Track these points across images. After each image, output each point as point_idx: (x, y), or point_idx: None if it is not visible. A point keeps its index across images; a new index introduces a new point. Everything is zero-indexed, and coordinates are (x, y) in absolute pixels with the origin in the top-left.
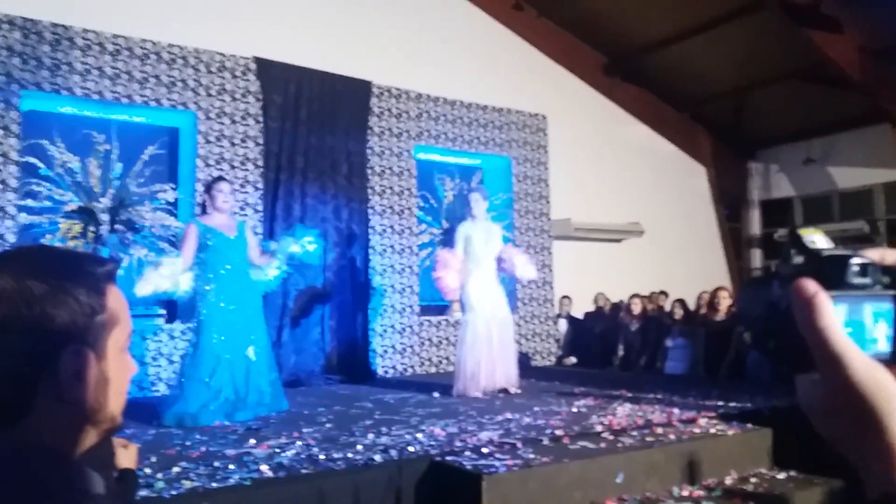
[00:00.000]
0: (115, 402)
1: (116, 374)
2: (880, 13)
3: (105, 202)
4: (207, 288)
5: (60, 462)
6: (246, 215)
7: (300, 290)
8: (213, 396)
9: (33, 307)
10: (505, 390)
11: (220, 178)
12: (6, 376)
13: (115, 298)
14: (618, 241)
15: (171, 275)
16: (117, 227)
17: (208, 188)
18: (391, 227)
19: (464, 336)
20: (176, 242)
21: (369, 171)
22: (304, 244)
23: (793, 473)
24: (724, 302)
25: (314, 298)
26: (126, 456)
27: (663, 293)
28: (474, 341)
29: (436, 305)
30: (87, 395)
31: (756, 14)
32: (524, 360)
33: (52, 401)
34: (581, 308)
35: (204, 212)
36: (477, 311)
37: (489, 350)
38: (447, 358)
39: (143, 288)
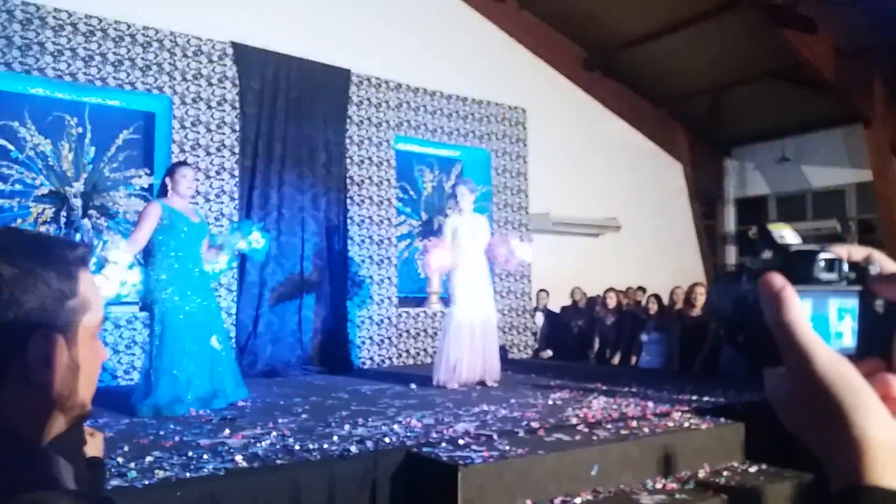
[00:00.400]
0: (85, 389)
1: (87, 361)
2: (854, 15)
3: (78, 187)
4: (164, 277)
5: (27, 449)
6: (222, 203)
7: (277, 279)
8: (185, 387)
9: (2, 291)
10: (482, 383)
11: (184, 163)
12: None
13: (86, 284)
14: (595, 235)
15: (124, 262)
16: (90, 212)
17: (171, 171)
18: (370, 217)
19: (447, 327)
20: None
21: (348, 161)
22: (252, 241)
23: (764, 467)
24: (700, 298)
25: (291, 288)
26: (92, 444)
27: (641, 289)
28: (457, 333)
29: (414, 297)
30: (56, 381)
31: (734, 12)
32: (501, 353)
33: (19, 386)
34: (558, 302)
35: (165, 195)
36: (462, 304)
37: (471, 343)
38: (425, 350)
39: (108, 290)
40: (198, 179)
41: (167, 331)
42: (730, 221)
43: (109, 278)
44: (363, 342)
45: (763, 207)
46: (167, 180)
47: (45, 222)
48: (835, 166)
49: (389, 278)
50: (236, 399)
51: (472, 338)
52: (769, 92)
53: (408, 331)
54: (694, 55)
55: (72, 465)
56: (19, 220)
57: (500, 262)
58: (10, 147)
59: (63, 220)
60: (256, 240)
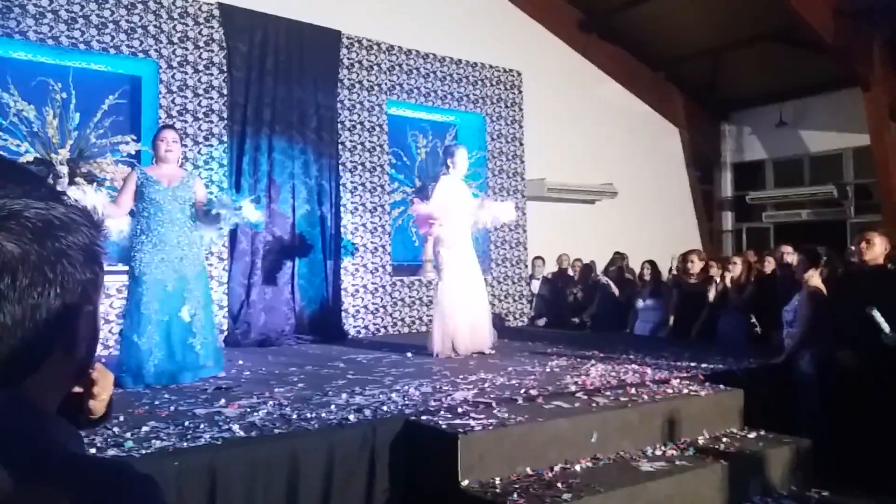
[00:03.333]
0: (91, 360)
1: (96, 333)
2: None
3: (64, 153)
4: (139, 239)
5: (46, 421)
6: (211, 169)
7: (269, 248)
8: (146, 357)
9: (56, 266)
10: (480, 352)
11: (164, 126)
12: (27, 337)
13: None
14: (591, 202)
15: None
16: (77, 179)
17: (153, 137)
18: (362, 184)
19: (440, 297)
20: None
21: (339, 126)
22: (245, 217)
23: (763, 433)
24: (696, 264)
25: (284, 256)
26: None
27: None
28: (447, 302)
29: (408, 265)
30: (81, 353)
31: None
32: (498, 322)
33: (57, 363)
34: (554, 269)
35: (153, 163)
36: (452, 271)
37: (464, 311)
38: (420, 318)
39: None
40: (179, 142)
41: (133, 296)
42: (727, 187)
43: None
44: (357, 311)
45: (760, 172)
46: (151, 148)
47: None
48: (832, 130)
49: (383, 246)
50: (207, 375)
51: (464, 306)
52: (767, 54)
53: (402, 299)
54: (691, 17)
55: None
56: None
57: (487, 225)
58: None
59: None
60: (250, 213)
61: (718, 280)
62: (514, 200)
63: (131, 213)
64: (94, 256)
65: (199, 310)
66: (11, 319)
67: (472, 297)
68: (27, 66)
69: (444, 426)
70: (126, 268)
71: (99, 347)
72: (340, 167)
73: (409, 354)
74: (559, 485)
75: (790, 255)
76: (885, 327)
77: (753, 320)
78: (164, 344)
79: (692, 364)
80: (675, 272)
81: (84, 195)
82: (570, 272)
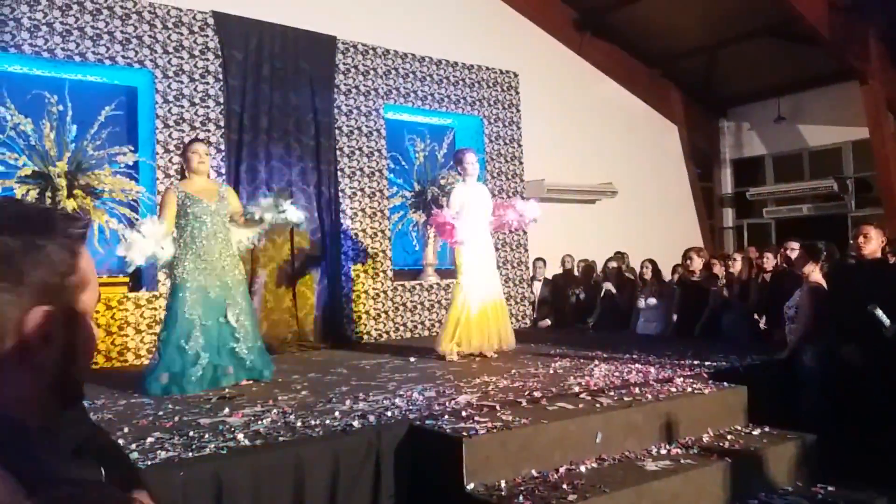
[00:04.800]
0: (83, 370)
1: (84, 341)
2: None
3: (61, 166)
4: (182, 251)
5: (22, 432)
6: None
7: (269, 255)
8: (192, 362)
9: (9, 263)
10: (483, 354)
11: (196, 140)
12: None
13: (86, 260)
14: (591, 202)
15: (154, 237)
16: (75, 192)
17: (183, 151)
18: (361, 189)
19: (457, 298)
20: (136, 207)
21: (337, 132)
22: (290, 218)
23: (767, 430)
24: (696, 261)
25: (284, 264)
26: None
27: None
28: (467, 302)
29: (409, 270)
30: (53, 361)
31: None
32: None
33: (14, 365)
34: (556, 270)
35: (183, 176)
36: (470, 275)
37: (479, 311)
38: (422, 323)
39: (134, 255)
40: (210, 154)
41: (177, 304)
42: (727, 183)
43: (133, 248)
44: (359, 317)
45: (760, 168)
46: (182, 160)
47: None
48: (831, 125)
49: (384, 251)
50: (258, 378)
51: (482, 304)
52: (764, 49)
53: (404, 304)
54: (686, 13)
55: (69, 447)
56: None
57: (512, 227)
58: None
59: (48, 200)
60: (293, 214)
61: (722, 277)
62: (536, 200)
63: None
64: (59, 259)
65: (241, 316)
66: None
67: (488, 298)
68: (23, 80)
69: (448, 430)
70: (125, 279)
71: (132, 356)
72: (339, 173)
73: (412, 359)
74: (565, 486)
75: (796, 251)
76: (886, 321)
77: (757, 317)
78: (209, 349)
79: (695, 362)
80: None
81: (146, 233)
82: (576, 273)
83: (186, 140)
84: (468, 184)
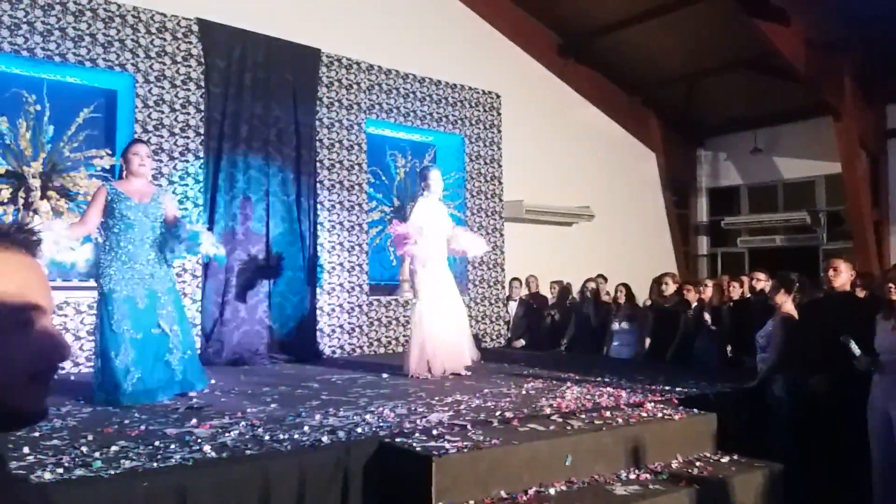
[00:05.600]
0: (5, 385)
1: (15, 348)
2: (826, 7)
3: (36, 167)
4: (107, 256)
5: None
6: (186, 185)
7: (244, 265)
8: (122, 376)
9: None
10: (456, 373)
11: (137, 141)
12: None
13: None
14: (569, 224)
15: (55, 236)
16: (49, 193)
17: (124, 151)
18: (340, 202)
19: (416, 317)
20: None
21: (318, 144)
22: (210, 253)
23: (736, 457)
24: (671, 287)
25: (258, 274)
26: None
27: (601, 276)
28: (426, 322)
29: (385, 285)
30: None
31: (708, 1)
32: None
33: None
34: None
35: (121, 177)
36: (429, 291)
37: (442, 331)
38: (396, 339)
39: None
40: (154, 157)
41: (105, 317)
42: (702, 211)
43: (43, 252)
44: (333, 330)
45: (735, 198)
46: (122, 161)
47: (1, 203)
48: (805, 158)
49: (360, 265)
50: (189, 390)
51: (442, 326)
52: (742, 82)
53: (379, 319)
54: (668, 43)
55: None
56: None
57: (457, 255)
58: None
59: (21, 200)
60: (208, 247)
61: (694, 303)
62: (489, 236)
63: (101, 228)
64: None
65: (173, 325)
66: None
67: (449, 317)
68: (1, 78)
69: (418, 448)
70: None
71: (69, 365)
72: (318, 185)
73: (384, 375)
74: None
75: (763, 282)
76: (858, 353)
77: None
78: (141, 362)
79: (667, 387)
80: (651, 295)
81: (42, 223)
82: (547, 293)
83: (165, 145)
84: (431, 200)
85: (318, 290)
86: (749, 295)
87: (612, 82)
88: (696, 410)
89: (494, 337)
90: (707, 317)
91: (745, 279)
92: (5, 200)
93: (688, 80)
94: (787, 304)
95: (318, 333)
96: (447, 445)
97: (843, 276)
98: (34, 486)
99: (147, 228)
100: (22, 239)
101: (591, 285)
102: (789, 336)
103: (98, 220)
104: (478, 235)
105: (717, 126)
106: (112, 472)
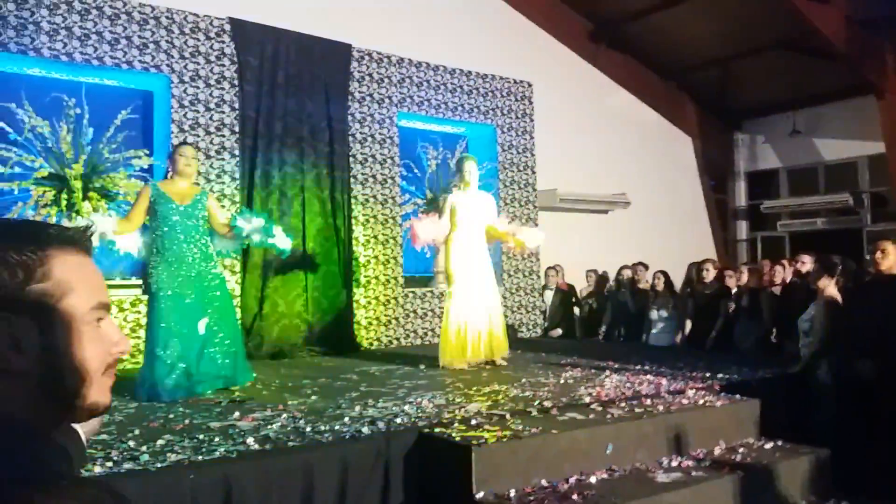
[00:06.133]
0: (86, 380)
1: (79, 349)
2: None
3: (77, 168)
4: (155, 258)
5: (27, 434)
6: (223, 183)
7: (281, 261)
8: (168, 371)
9: None
10: (492, 362)
11: (184, 143)
12: None
13: (66, 266)
14: (604, 212)
15: (102, 228)
16: (90, 194)
17: (171, 152)
18: (374, 196)
19: (449, 307)
20: None
21: (350, 139)
22: (276, 243)
23: (780, 443)
24: (711, 273)
25: (296, 269)
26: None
27: (641, 264)
28: (460, 312)
29: (420, 276)
30: (32, 368)
31: None
32: (511, 333)
33: None
34: (568, 280)
35: (167, 177)
36: (462, 281)
37: (474, 321)
38: (432, 330)
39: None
40: (198, 159)
41: (154, 313)
42: (741, 196)
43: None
44: (369, 323)
45: (774, 181)
46: (168, 161)
47: (45, 205)
48: (847, 139)
49: (395, 258)
50: (233, 385)
51: (476, 316)
52: (780, 63)
53: (414, 311)
54: (702, 25)
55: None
56: (20, 204)
57: (511, 248)
58: (9, 129)
59: (64, 202)
60: (282, 241)
61: (734, 289)
62: (539, 228)
63: (144, 227)
64: (26, 268)
65: (218, 321)
66: None
67: (483, 307)
68: (41, 83)
69: (457, 438)
70: (139, 281)
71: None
72: (352, 179)
73: (421, 366)
74: (574, 497)
75: (808, 265)
76: None
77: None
78: (186, 357)
79: (707, 374)
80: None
81: (92, 222)
82: (583, 282)
83: (202, 144)
84: (466, 192)
85: (353, 284)
86: (794, 279)
87: (646, 67)
88: (738, 397)
89: (531, 327)
90: (733, 304)
91: (786, 263)
92: (49, 202)
93: (723, 62)
94: (829, 287)
95: (354, 326)
96: (486, 435)
97: (890, 258)
98: (103, 482)
99: (191, 228)
100: (88, 244)
101: (627, 273)
102: (833, 321)
103: (142, 218)
104: (532, 227)
105: (755, 108)
106: (159, 465)
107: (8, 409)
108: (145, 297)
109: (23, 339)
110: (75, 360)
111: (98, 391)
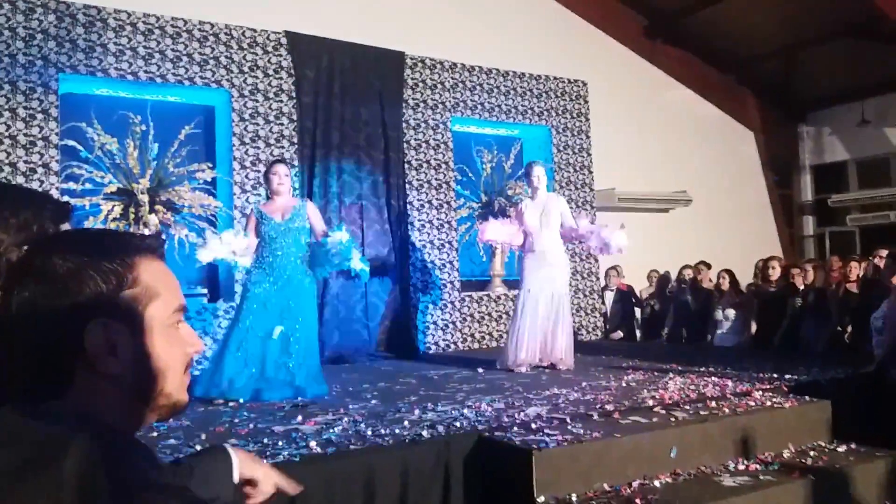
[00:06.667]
0: (170, 380)
1: (164, 351)
2: None
3: (144, 183)
4: (254, 267)
5: (118, 437)
6: None
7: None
8: (240, 369)
9: (56, 283)
10: (552, 366)
11: (277, 161)
12: (38, 351)
13: (151, 272)
14: (665, 210)
15: (229, 244)
16: (157, 207)
17: (265, 172)
18: (429, 201)
19: (517, 310)
20: (215, 222)
21: (405, 146)
22: (353, 266)
23: (853, 446)
24: (777, 271)
25: (355, 276)
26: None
27: (704, 263)
28: (526, 315)
29: (476, 281)
30: (125, 370)
31: None
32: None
33: (89, 375)
34: (628, 281)
35: (268, 198)
36: (531, 285)
37: (543, 326)
38: (490, 334)
39: (203, 254)
40: (288, 175)
41: (239, 313)
42: (807, 190)
43: (206, 247)
44: (427, 327)
45: (842, 174)
46: (263, 181)
47: (114, 219)
48: None
49: (451, 262)
50: (302, 396)
51: (543, 320)
52: (845, 50)
53: (472, 315)
54: (760, 16)
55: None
56: (91, 219)
57: (594, 250)
58: (80, 147)
59: (132, 216)
60: (357, 263)
61: (801, 287)
62: (622, 229)
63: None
64: (118, 275)
65: (295, 332)
66: (36, 326)
67: (552, 312)
68: (109, 102)
69: (517, 442)
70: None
71: (207, 364)
72: (407, 186)
73: (480, 370)
74: (638, 501)
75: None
76: None
77: (841, 328)
78: (257, 360)
79: (775, 375)
80: (755, 280)
81: (228, 244)
82: (644, 283)
83: (262, 156)
84: (536, 196)
85: (411, 289)
86: (874, 275)
87: (704, 61)
88: (807, 398)
89: (591, 329)
90: (800, 302)
91: (859, 259)
92: (118, 216)
93: (785, 53)
94: None
95: (413, 330)
96: (547, 439)
97: None
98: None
99: (290, 243)
100: (164, 251)
101: (688, 272)
102: None
103: (254, 237)
104: (615, 229)
105: (820, 99)
106: None
107: (102, 411)
108: (210, 305)
109: (118, 342)
110: (161, 361)
111: (179, 390)
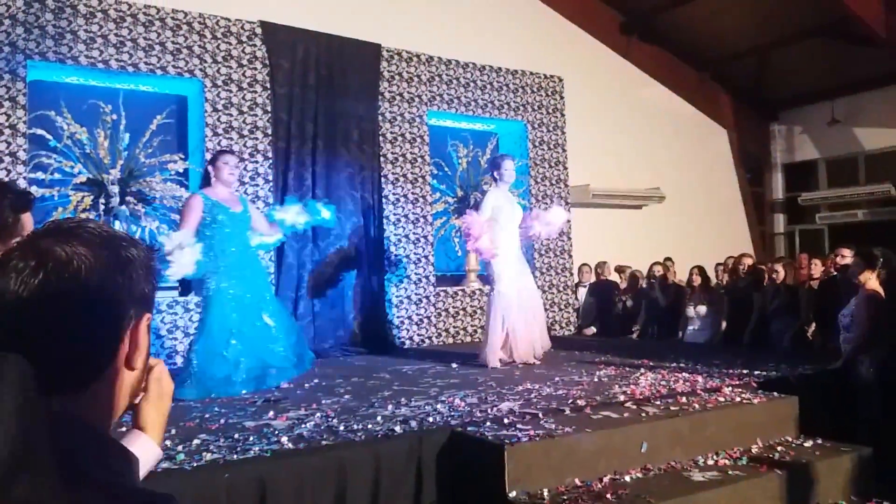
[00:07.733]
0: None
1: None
2: None
3: (114, 174)
4: (216, 263)
5: (102, 441)
6: (257, 185)
7: (315, 261)
8: (234, 368)
9: (115, 276)
10: (526, 362)
11: (226, 150)
12: (87, 340)
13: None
14: (639, 207)
15: (190, 246)
16: (128, 198)
17: (213, 160)
18: (405, 195)
19: (495, 306)
20: None
21: (381, 139)
22: (316, 215)
23: (820, 441)
24: (746, 268)
25: (329, 269)
26: None
27: (670, 259)
28: (505, 311)
29: (451, 275)
30: (144, 364)
31: None
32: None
33: (118, 369)
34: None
35: (207, 184)
36: (506, 280)
37: (524, 319)
38: (464, 329)
39: (180, 270)
40: (238, 167)
41: (214, 314)
42: (778, 188)
43: (178, 264)
44: (402, 322)
45: (812, 172)
46: (210, 168)
47: (84, 210)
48: (888, 127)
49: (426, 257)
50: (303, 371)
51: (522, 314)
52: (816, 50)
53: (446, 310)
54: (735, 15)
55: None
56: (60, 209)
57: (543, 236)
58: (48, 136)
59: (102, 207)
60: (324, 212)
61: (766, 283)
62: (560, 205)
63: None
64: (151, 272)
65: (274, 317)
66: (79, 319)
67: (526, 306)
68: (79, 90)
69: (490, 437)
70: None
71: (180, 360)
72: (382, 179)
73: (454, 365)
74: (609, 496)
75: (848, 258)
76: None
77: (806, 325)
78: (249, 352)
79: (744, 371)
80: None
81: (170, 238)
82: (618, 279)
83: (235, 147)
84: (502, 190)
85: (385, 283)
86: (834, 272)
87: (679, 59)
88: (776, 394)
89: (564, 325)
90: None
91: (822, 258)
92: (87, 207)
93: (758, 52)
94: (871, 281)
95: (387, 325)
96: (519, 434)
97: None
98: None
99: (244, 234)
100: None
101: (658, 269)
102: (875, 315)
103: (195, 226)
104: (553, 207)
105: (791, 98)
106: (194, 464)
107: (107, 414)
108: (182, 299)
109: (148, 338)
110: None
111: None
